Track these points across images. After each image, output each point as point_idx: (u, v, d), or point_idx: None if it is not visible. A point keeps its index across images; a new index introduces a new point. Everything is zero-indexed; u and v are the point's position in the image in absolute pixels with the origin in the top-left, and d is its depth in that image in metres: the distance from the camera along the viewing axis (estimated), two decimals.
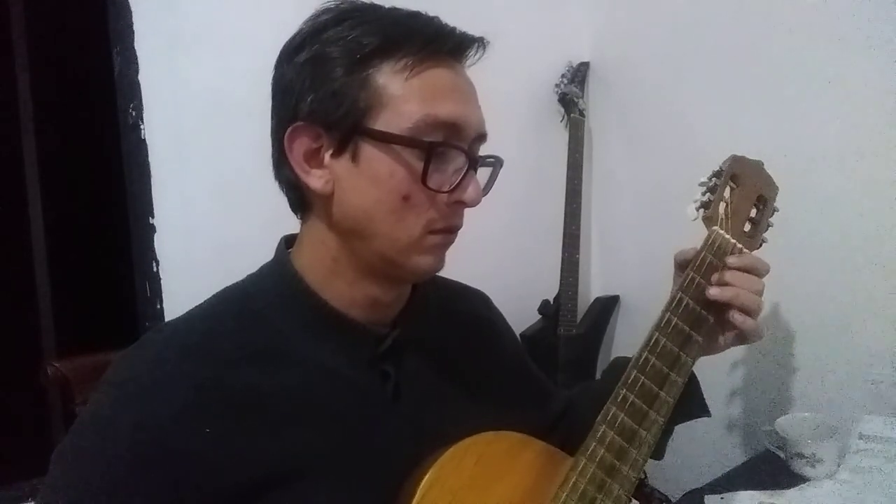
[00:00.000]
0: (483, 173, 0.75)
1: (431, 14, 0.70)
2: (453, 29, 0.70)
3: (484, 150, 0.74)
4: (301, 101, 0.68)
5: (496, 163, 0.76)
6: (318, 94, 0.67)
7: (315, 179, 0.69)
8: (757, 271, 0.79)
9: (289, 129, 0.68)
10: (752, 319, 0.78)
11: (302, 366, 0.71)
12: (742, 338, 0.81)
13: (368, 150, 0.67)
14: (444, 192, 0.68)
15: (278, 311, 0.72)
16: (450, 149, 0.68)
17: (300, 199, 0.73)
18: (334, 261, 0.72)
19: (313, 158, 0.69)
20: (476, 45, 0.71)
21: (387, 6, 0.71)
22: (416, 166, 0.66)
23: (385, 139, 0.66)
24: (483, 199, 0.72)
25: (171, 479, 0.62)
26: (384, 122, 0.66)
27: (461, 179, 0.69)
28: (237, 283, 0.76)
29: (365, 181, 0.68)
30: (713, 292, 0.77)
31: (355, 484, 0.69)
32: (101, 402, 0.66)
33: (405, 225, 0.68)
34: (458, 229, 0.73)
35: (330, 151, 0.68)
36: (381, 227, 0.68)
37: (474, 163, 0.71)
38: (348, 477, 0.69)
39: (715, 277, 0.79)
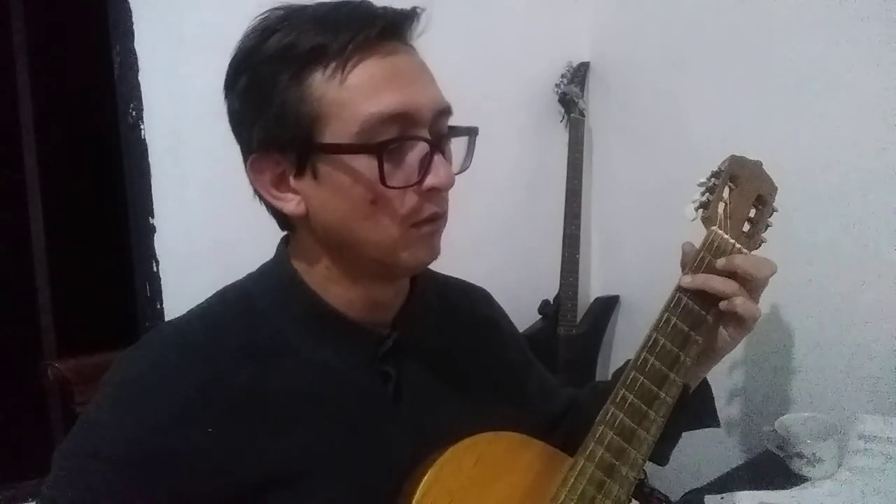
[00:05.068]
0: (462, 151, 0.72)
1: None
2: (382, 10, 0.66)
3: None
4: (250, 130, 0.67)
5: (470, 131, 0.72)
6: (262, 120, 0.66)
7: (287, 203, 0.69)
8: (757, 271, 0.77)
9: (248, 162, 0.68)
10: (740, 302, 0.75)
11: (303, 366, 0.71)
12: (741, 323, 0.78)
13: (325, 165, 0.66)
14: (411, 186, 0.66)
15: (279, 311, 0.72)
16: (403, 142, 0.66)
17: (283, 221, 0.74)
18: (328, 269, 0.72)
19: (281, 183, 0.69)
20: (410, 18, 0.67)
21: (314, 4, 0.68)
22: (374, 170, 0.64)
23: (334, 151, 0.65)
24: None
25: (171, 480, 0.63)
26: (331, 134, 0.64)
27: (427, 166, 0.66)
28: (237, 282, 0.76)
29: (331, 196, 0.66)
30: (685, 281, 0.77)
31: (355, 484, 0.69)
32: (101, 403, 0.66)
33: (383, 227, 0.67)
34: (443, 215, 0.70)
35: (292, 174, 0.68)
36: (361, 234, 0.67)
37: (437, 145, 0.67)
38: (348, 477, 0.69)
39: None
